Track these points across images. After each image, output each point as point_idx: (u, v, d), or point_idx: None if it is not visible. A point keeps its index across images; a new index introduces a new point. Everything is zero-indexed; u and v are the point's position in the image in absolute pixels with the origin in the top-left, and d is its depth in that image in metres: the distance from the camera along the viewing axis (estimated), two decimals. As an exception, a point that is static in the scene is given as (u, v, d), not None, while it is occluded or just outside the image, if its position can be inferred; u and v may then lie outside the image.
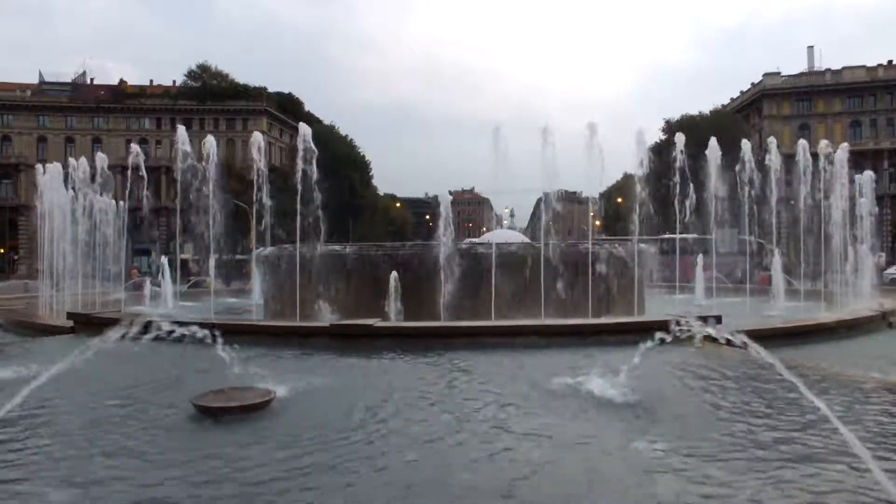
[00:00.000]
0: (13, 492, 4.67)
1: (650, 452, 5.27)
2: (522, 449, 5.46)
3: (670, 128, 61.29)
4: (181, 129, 19.56)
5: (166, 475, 4.95)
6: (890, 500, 3.88)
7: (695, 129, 29.94)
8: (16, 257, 68.80)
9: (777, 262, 21.29)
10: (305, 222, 16.81)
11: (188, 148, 18.75)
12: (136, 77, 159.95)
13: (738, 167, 19.82)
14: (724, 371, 8.43)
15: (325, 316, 14.62)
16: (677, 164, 17.99)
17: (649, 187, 17.22)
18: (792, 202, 22.06)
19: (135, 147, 21.86)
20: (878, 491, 4.06)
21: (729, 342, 6.17)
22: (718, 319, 11.09)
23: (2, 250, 71.19)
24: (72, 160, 21.78)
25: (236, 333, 7.32)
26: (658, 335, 6.51)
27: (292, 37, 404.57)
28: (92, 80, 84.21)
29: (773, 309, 18.93)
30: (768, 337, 10.72)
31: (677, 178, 17.96)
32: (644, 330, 6.72)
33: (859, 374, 8.73)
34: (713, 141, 19.15)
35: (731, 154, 20.13)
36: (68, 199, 20.29)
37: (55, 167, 20.77)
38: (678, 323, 6.68)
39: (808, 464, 4.85)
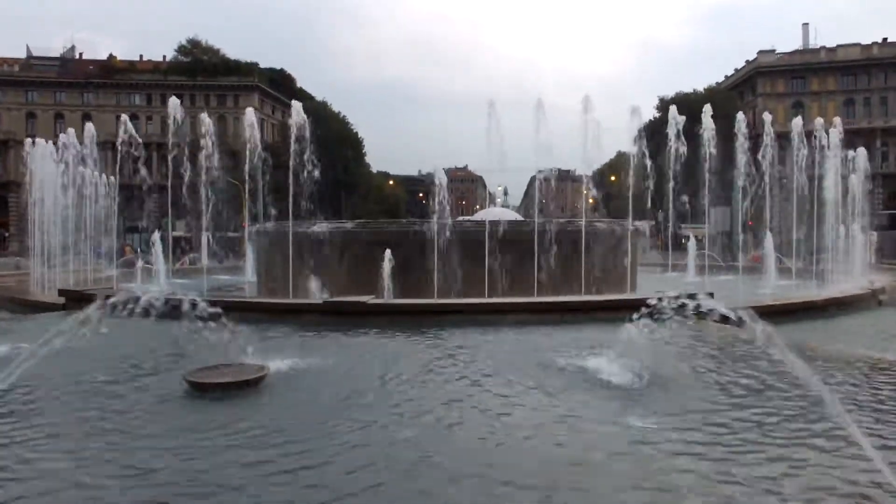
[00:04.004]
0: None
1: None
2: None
3: (665, 106, 60.96)
4: (173, 100, 19.23)
5: (154, 452, 4.96)
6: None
7: (689, 106, 29.96)
8: (6, 234, 68.30)
9: (769, 240, 21.38)
10: (298, 199, 16.76)
11: (180, 117, 18.54)
12: (124, 51, 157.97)
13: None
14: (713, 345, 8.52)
15: (318, 293, 14.61)
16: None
17: (645, 164, 17.22)
18: (784, 180, 22.10)
19: (125, 118, 21.28)
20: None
21: (724, 319, 6.22)
22: (710, 297, 11.13)
23: (-8, 227, 70.61)
24: (61, 135, 21.50)
25: (229, 310, 7.29)
26: (649, 311, 6.54)
27: (284, 11, 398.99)
28: (81, 54, 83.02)
29: (765, 287, 19.05)
30: (759, 315, 10.77)
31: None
32: (636, 307, 6.73)
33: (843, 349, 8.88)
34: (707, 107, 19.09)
35: (725, 131, 20.12)
36: (58, 174, 20.06)
37: (44, 142, 20.51)
38: (671, 300, 6.70)
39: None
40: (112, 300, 5.89)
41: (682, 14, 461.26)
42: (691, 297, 6.93)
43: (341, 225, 17.53)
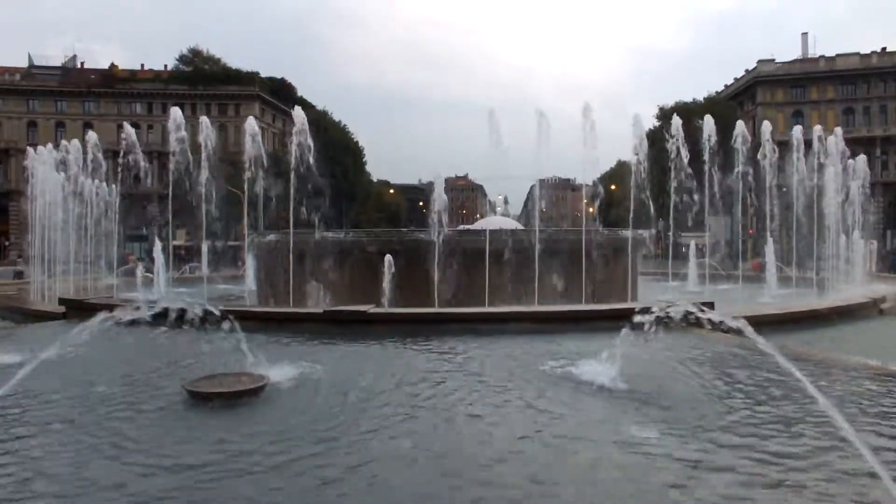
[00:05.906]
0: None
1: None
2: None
3: (664, 115, 61.07)
4: (175, 110, 19.26)
5: (152, 461, 4.94)
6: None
7: (689, 116, 30.12)
8: (7, 243, 68.29)
9: (770, 248, 21.37)
10: (299, 208, 16.79)
11: (182, 129, 18.57)
12: (125, 60, 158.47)
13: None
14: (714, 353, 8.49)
15: (320, 302, 14.61)
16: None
17: (645, 174, 17.24)
18: (784, 189, 22.12)
19: (128, 127, 21.29)
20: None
21: (723, 328, 6.20)
22: (710, 306, 11.10)
23: (-7, 236, 70.61)
24: (63, 143, 21.53)
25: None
26: (650, 320, 6.52)
27: (285, 20, 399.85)
28: (82, 63, 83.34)
29: (766, 296, 19.03)
30: (761, 324, 10.75)
31: None
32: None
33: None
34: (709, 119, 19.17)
35: (725, 141, 20.18)
36: (59, 182, 20.06)
37: (44, 150, 20.53)
38: (671, 309, 6.68)
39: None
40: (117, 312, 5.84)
41: (681, 22, 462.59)
42: (691, 306, 6.92)
43: (342, 233, 17.55)
